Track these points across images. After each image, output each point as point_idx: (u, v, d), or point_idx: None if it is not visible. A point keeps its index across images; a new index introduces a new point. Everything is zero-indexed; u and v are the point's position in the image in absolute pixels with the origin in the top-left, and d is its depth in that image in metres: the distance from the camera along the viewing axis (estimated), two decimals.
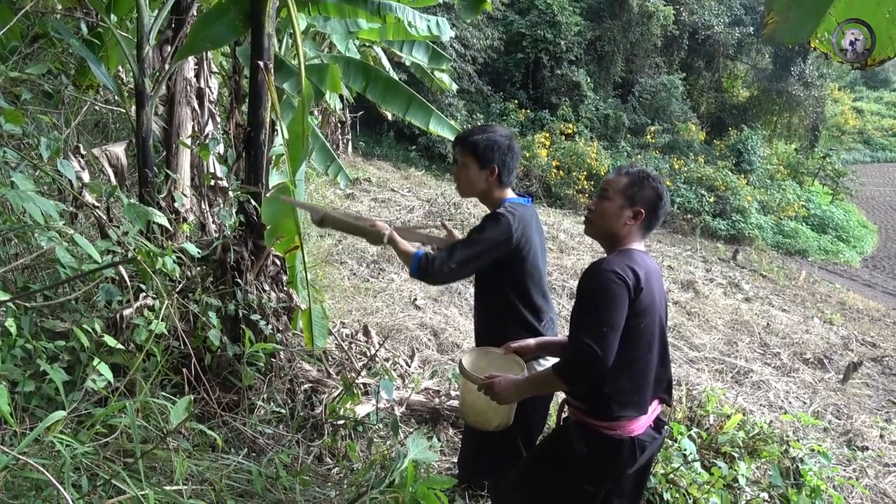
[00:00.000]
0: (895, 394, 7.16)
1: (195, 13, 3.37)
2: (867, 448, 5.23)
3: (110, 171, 3.13)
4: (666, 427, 2.08)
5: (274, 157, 3.26)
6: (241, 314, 2.84)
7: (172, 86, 3.35)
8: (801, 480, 3.07)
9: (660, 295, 2.00)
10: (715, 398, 3.54)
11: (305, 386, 3.28)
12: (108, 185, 2.61)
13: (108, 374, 2.02)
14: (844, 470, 4.62)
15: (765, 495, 3.07)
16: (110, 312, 2.50)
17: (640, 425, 1.93)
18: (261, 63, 2.82)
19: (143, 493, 1.72)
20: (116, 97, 3.46)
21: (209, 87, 3.59)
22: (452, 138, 4.83)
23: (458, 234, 2.68)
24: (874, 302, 12.48)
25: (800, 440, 3.92)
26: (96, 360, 2.06)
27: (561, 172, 15.43)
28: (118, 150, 3.19)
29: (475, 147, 2.52)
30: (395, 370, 4.06)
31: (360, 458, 2.92)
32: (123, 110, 3.48)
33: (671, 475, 2.81)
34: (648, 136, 18.30)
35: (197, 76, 3.51)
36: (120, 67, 3.78)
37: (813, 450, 3.39)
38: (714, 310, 8.80)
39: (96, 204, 2.74)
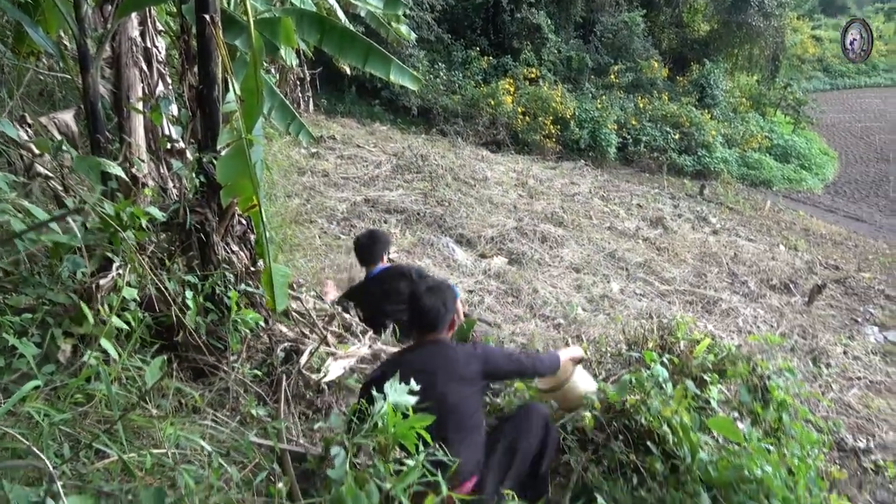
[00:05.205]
0: (858, 312, 7.45)
1: None
2: (831, 364, 5.46)
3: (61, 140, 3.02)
4: None
5: (230, 115, 3.18)
6: (216, 291, 2.81)
7: (117, 47, 3.22)
8: (768, 396, 3.19)
9: None
10: (685, 325, 3.64)
11: (284, 345, 3.29)
12: (55, 141, 2.52)
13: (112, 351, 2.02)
14: (810, 386, 4.82)
15: (735, 414, 3.19)
16: (76, 284, 2.45)
17: None
18: (206, 16, 2.71)
19: (128, 455, 1.73)
20: (60, 63, 3.31)
21: (156, 47, 3.45)
22: (414, 88, 4.76)
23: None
24: (836, 226, 12.83)
25: (767, 360, 4.06)
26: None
27: (527, 118, 15.30)
28: (67, 116, 3.08)
29: None
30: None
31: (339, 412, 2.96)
32: (69, 76, 3.34)
33: (646, 400, 2.89)
34: (612, 76, 18.18)
35: (142, 36, 3.37)
36: (62, 33, 3.61)
37: (780, 368, 3.52)
38: (683, 244, 8.98)
39: (49, 174, 2.66)
